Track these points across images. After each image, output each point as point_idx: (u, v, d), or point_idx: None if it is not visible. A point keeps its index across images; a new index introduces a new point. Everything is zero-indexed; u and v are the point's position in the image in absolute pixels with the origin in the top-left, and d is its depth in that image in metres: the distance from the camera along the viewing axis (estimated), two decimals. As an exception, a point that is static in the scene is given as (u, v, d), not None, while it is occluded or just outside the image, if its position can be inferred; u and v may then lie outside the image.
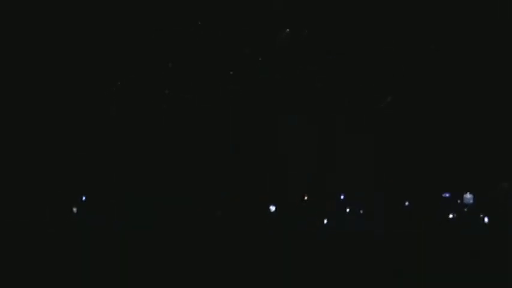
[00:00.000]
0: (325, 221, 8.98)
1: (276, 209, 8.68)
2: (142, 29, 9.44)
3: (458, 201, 8.86)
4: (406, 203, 8.99)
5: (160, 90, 9.33)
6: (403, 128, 9.21)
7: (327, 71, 9.35)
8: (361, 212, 9.01)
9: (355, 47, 9.33)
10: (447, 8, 9.31)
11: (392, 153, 9.20)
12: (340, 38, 9.36)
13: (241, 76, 9.34)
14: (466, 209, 8.70)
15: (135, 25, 9.46)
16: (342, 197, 9.06)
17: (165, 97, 9.38)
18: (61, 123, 9.14)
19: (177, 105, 9.27)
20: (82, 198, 8.27)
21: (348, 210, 9.02)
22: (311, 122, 9.26)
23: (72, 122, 9.15)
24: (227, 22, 9.41)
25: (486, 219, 8.81)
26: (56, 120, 9.13)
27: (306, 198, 9.06)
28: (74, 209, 8.06)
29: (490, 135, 9.09)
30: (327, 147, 9.22)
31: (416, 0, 9.33)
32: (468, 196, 8.61)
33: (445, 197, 8.96)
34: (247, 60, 9.41)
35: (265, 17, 9.38)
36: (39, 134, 9.03)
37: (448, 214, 8.87)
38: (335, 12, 9.40)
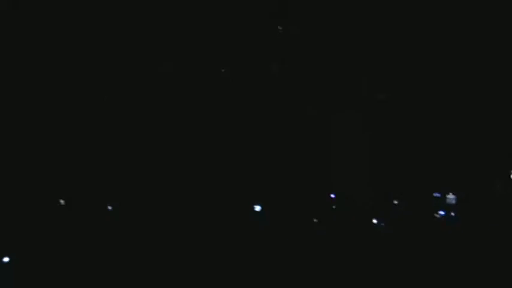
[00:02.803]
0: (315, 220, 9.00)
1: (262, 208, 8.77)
2: (141, 29, 9.57)
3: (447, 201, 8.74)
4: (396, 202, 8.93)
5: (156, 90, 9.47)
6: (395, 127, 9.12)
7: (321, 69, 9.37)
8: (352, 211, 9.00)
9: (352, 46, 9.29)
10: (447, 8, 9.12)
11: (384, 153, 9.13)
12: (336, 36, 9.35)
13: (236, 74, 9.45)
14: (452, 212, 8.58)
15: (134, 25, 9.61)
16: (332, 196, 9.10)
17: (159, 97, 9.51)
18: (58, 122, 9.40)
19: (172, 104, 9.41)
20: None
21: (336, 208, 9.05)
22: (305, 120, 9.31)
23: (69, 121, 9.41)
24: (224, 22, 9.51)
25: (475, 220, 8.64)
26: (53, 120, 9.38)
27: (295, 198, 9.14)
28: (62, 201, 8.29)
29: (484, 134, 8.88)
30: (320, 146, 9.25)
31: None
32: (451, 197, 8.49)
33: (436, 197, 8.84)
34: (243, 58, 9.52)
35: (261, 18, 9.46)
36: (36, 133, 9.30)
37: (437, 213, 8.76)
38: (332, 11, 9.38)
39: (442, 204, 8.71)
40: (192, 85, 9.59)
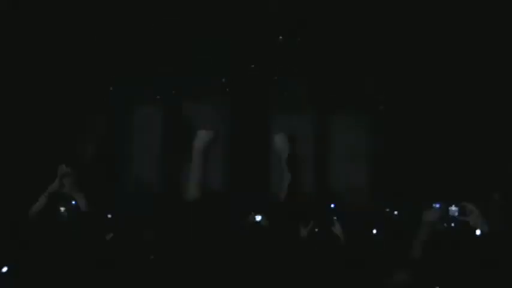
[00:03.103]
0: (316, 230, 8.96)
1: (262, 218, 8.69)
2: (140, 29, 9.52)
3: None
4: (395, 213, 8.92)
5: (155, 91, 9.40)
6: (396, 136, 9.14)
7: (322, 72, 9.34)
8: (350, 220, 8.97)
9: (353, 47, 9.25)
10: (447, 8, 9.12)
11: (385, 161, 9.15)
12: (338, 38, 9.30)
13: (236, 78, 9.41)
14: (452, 224, 8.56)
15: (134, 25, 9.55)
16: (332, 205, 9.07)
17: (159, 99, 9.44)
18: (57, 123, 9.33)
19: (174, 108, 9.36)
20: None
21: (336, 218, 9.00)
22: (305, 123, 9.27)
23: (68, 121, 9.34)
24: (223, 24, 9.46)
25: (478, 232, 8.62)
26: (53, 120, 9.31)
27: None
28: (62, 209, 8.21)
29: (483, 144, 8.91)
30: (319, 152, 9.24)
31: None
32: (453, 208, 8.45)
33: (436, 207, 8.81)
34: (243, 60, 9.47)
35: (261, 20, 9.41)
36: (36, 133, 9.21)
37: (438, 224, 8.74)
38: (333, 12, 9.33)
39: (444, 215, 8.70)
40: (193, 86, 9.53)
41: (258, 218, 8.67)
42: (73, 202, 8.48)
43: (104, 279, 8.20)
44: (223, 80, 9.54)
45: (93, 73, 9.46)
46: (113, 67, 9.39)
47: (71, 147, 9.33)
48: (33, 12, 9.39)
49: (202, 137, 9.29)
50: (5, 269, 7.40)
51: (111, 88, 9.49)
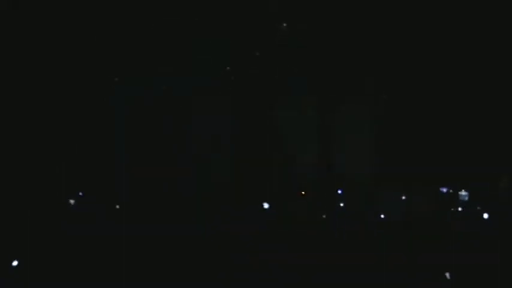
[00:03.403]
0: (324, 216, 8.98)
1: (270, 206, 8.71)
2: (141, 28, 9.56)
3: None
4: (403, 197, 8.94)
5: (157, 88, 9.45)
6: (401, 123, 9.17)
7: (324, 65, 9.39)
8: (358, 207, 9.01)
9: (354, 44, 9.31)
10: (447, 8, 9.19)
11: (390, 148, 9.17)
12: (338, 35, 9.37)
13: (238, 73, 9.46)
14: (460, 208, 8.61)
15: (134, 25, 9.59)
16: (339, 191, 9.09)
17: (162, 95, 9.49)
18: (59, 121, 9.36)
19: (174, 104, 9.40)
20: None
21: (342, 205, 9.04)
22: (309, 117, 9.33)
23: (69, 119, 9.37)
24: (224, 20, 9.51)
25: (485, 215, 8.67)
26: (54, 118, 9.34)
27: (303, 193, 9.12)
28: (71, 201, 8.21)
29: (489, 131, 8.95)
30: (325, 142, 9.27)
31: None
32: (463, 193, 8.49)
33: (443, 192, 8.86)
34: (244, 57, 9.52)
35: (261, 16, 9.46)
36: (36, 132, 9.24)
37: (446, 209, 8.79)
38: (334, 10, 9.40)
39: (454, 200, 8.74)
40: (195, 85, 9.59)
41: (266, 205, 8.71)
42: (80, 194, 8.50)
43: (111, 270, 8.21)
44: (228, 68, 9.58)
45: (92, 73, 9.50)
46: (113, 67, 9.43)
47: (71, 147, 9.36)
48: (32, 13, 9.41)
49: None
50: (15, 263, 7.40)
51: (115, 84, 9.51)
